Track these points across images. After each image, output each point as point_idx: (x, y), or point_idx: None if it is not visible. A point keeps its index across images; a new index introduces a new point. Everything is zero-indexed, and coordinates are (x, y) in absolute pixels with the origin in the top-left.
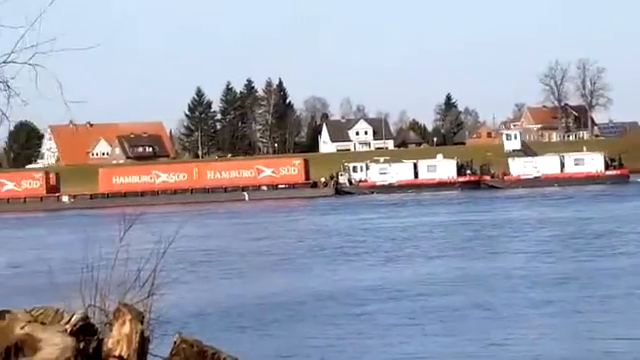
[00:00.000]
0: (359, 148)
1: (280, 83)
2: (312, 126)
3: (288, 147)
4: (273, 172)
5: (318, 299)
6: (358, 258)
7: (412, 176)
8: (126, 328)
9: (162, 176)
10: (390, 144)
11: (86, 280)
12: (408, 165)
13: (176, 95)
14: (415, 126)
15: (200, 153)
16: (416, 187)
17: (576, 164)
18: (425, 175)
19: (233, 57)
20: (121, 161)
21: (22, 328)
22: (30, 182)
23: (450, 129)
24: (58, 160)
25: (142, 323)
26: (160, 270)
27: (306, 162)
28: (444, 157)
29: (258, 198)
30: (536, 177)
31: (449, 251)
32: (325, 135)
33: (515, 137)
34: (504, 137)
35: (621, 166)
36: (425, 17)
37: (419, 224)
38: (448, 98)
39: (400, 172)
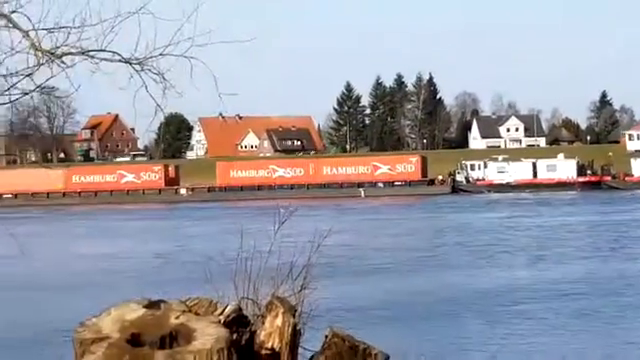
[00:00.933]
0: (510, 145)
1: (430, 78)
2: (462, 122)
3: (437, 143)
4: (389, 169)
5: (473, 296)
6: (508, 256)
7: (531, 175)
8: (278, 321)
9: (279, 171)
10: (542, 141)
11: (239, 272)
12: (527, 164)
13: (325, 89)
14: (568, 124)
15: (348, 147)
16: (534, 187)
17: None
18: (544, 175)
19: (383, 52)
20: (268, 154)
21: (177, 318)
22: (149, 174)
23: (604, 127)
24: (207, 152)
25: (294, 316)
26: (312, 264)
27: (423, 159)
28: (565, 157)
29: (374, 195)
30: None
31: (601, 251)
32: (475, 131)
33: (638, 137)
34: (626, 137)
35: None
36: (581, 15)
37: (562, 224)
38: (603, 96)
39: (518, 171)
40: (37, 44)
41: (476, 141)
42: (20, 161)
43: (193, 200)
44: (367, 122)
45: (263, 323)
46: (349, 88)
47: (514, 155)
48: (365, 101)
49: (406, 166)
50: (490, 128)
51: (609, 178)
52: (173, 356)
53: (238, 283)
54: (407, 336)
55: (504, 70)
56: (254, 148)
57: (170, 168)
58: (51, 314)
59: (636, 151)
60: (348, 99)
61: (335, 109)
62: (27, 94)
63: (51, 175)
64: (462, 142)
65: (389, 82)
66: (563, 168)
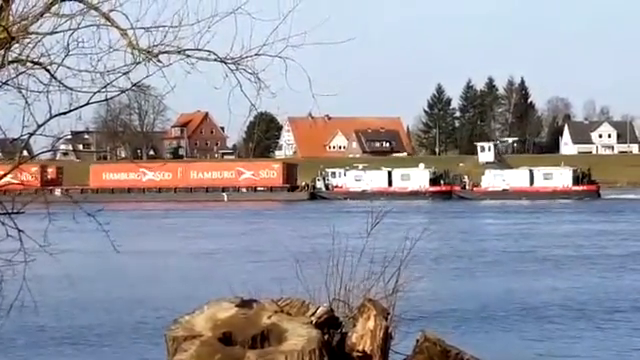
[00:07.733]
0: (602, 151)
1: (522, 82)
2: (553, 127)
3: (528, 147)
4: (253, 175)
5: (560, 304)
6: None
7: (386, 184)
8: (370, 323)
9: (148, 174)
10: (635, 148)
11: (331, 274)
12: (382, 173)
13: (415, 91)
14: None
15: (437, 150)
16: (388, 195)
17: (545, 179)
18: (399, 184)
19: (474, 55)
20: (357, 155)
21: (269, 318)
22: (26, 175)
23: None
24: (295, 152)
25: (386, 319)
26: (404, 268)
27: (287, 166)
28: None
29: (237, 199)
30: (504, 190)
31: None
32: (566, 136)
33: (489, 149)
34: (478, 149)
35: None
36: None
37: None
38: None
39: (374, 179)
40: (134, 43)
41: (567, 146)
42: (110, 157)
43: (67, 201)
44: (457, 125)
45: (354, 325)
46: (440, 90)
47: (607, 162)
48: (455, 104)
49: (269, 172)
50: (582, 134)
51: (459, 188)
52: (264, 356)
53: (330, 284)
54: (499, 341)
55: (597, 75)
56: (342, 149)
57: (50, 169)
58: (142, 310)
59: (487, 163)
60: (439, 101)
61: (425, 111)
62: (124, 92)
63: None
64: (553, 147)
65: (480, 85)
66: (417, 178)
